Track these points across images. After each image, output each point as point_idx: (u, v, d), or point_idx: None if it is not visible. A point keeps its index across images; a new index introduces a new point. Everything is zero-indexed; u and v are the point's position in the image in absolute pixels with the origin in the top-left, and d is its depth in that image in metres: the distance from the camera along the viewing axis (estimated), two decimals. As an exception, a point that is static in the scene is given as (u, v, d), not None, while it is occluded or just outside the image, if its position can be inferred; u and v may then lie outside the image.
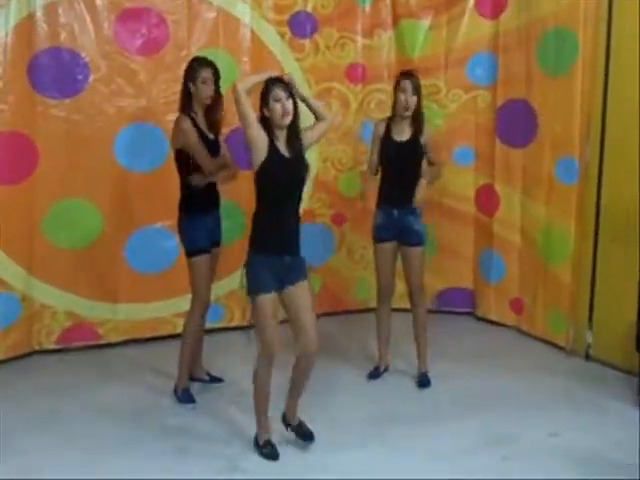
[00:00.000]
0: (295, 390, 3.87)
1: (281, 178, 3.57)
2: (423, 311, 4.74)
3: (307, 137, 3.68)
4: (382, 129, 4.59)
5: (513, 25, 5.54)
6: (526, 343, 5.50)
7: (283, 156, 3.58)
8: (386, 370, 4.85)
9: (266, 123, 3.57)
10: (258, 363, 3.73)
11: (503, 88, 5.66)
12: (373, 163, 4.66)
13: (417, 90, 4.46)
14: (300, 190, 3.67)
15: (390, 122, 4.58)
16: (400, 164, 4.53)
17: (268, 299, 3.59)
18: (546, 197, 5.36)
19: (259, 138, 3.54)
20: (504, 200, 5.72)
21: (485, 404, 4.41)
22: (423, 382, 4.69)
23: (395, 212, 4.54)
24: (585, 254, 5.08)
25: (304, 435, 3.87)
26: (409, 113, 4.46)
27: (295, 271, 3.65)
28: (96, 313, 5.19)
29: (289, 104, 3.54)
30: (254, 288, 3.59)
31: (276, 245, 3.60)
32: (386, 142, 4.55)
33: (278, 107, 3.52)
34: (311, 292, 3.79)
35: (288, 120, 3.55)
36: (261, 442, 3.79)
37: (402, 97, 4.44)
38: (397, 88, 4.49)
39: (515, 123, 5.58)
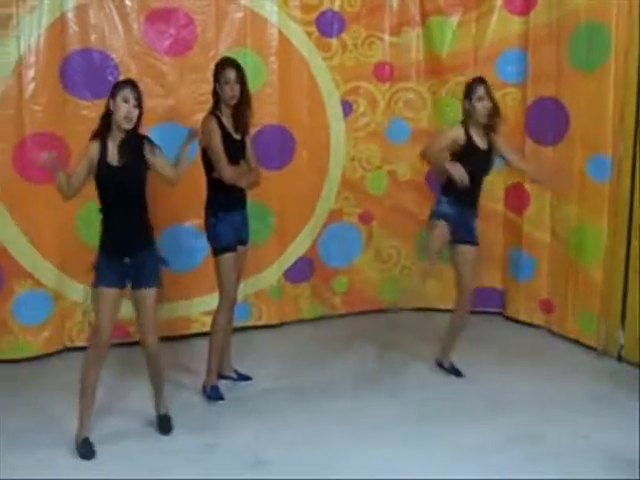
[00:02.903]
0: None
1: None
2: (465, 308, 4.77)
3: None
4: (462, 136, 4.54)
5: (543, 21, 5.48)
6: (556, 344, 5.43)
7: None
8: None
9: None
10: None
11: (533, 85, 5.60)
12: (440, 157, 4.61)
13: (490, 95, 4.52)
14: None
15: (467, 129, 4.55)
16: (481, 171, 4.62)
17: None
18: (577, 195, 5.29)
19: None
20: (534, 199, 5.65)
21: (514, 404, 4.37)
22: (459, 371, 4.81)
23: (466, 212, 4.65)
24: (617, 253, 5.00)
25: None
26: (486, 118, 4.52)
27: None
28: (126, 311, 5.23)
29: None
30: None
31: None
32: (470, 149, 4.54)
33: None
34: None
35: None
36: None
37: (480, 104, 4.49)
38: (471, 96, 4.52)
39: (545, 121, 5.51)
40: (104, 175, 3.71)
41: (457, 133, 4.56)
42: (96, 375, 3.78)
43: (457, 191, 4.56)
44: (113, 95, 3.70)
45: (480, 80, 4.59)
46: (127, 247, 3.76)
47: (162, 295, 3.91)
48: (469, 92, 4.54)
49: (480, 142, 4.56)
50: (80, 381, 3.78)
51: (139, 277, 3.79)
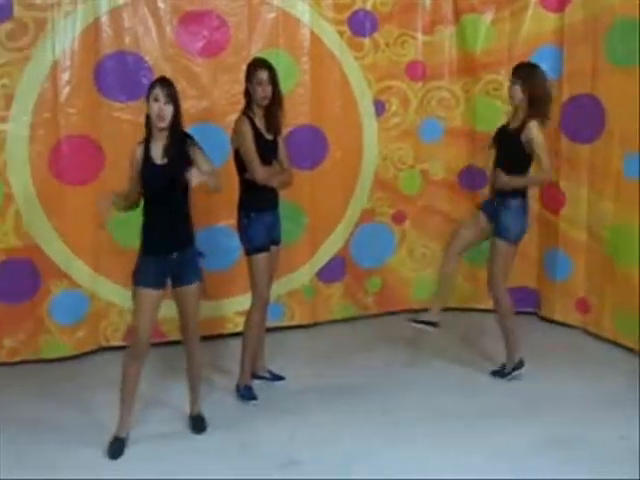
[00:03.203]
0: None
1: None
2: (495, 304, 4.75)
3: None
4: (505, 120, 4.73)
5: (579, 17, 5.40)
6: (593, 344, 5.35)
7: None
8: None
9: None
10: None
11: (569, 82, 5.53)
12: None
13: (520, 78, 4.48)
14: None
15: (512, 114, 4.66)
16: (502, 155, 4.60)
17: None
18: (614, 193, 5.21)
19: None
20: (570, 197, 5.58)
21: (551, 405, 4.32)
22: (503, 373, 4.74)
23: (496, 200, 4.61)
24: (655, 252, 4.92)
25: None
26: (515, 102, 4.52)
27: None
28: (160, 311, 5.28)
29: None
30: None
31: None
32: (500, 131, 4.65)
33: None
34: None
35: None
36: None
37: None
38: None
39: (581, 118, 5.43)
40: (149, 174, 3.73)
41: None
42: (136, 374, 3.81)
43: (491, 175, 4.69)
44: (147, 97, 3.73)
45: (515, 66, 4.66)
46: (173, 244, 3.77)
47: (204, 290, 3.92)
48: None
49: (512, 122, 4.58)
50: (121, 380, 3.82)
51: (181, 274, 3.81)
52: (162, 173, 3.72)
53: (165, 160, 3.72)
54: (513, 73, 4.54)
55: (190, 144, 3.81)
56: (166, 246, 3.77)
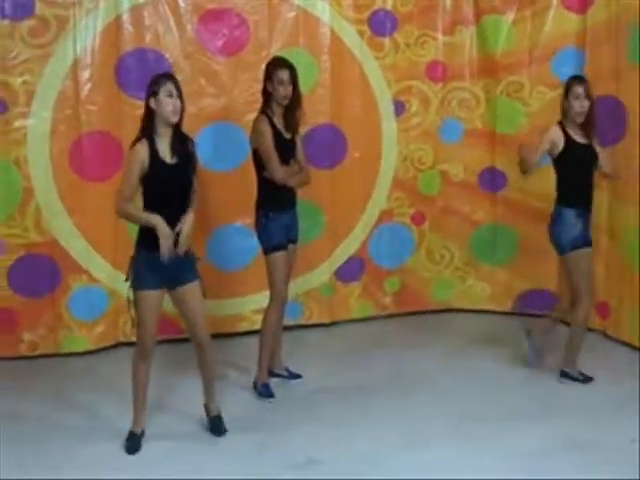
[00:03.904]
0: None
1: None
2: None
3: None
4: (560, 135, 4.51)
5: (602, 18, 5.34)
6: (612, 348, 5.30)
7: None
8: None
9: None
10: None
11: (591, 84, 5.45)
12: (535, 163, 4.56)
13: (589, 95, 4.49)
14: None
15: (564, 127, 4.53)
16: (587, 167, 4.58)
17: None
18: (636, 197, 5.14)
19: None
20: (591, 200, 5.52)
21: (566, 408, 4.29)
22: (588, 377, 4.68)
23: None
24: (677, 256, 4.86)
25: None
26: (582, 119, 4.49)
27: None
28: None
29: None
30: None
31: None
32: (571, 146, 4.51)
33: None
34: None
35: None
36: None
37: (577, 103, 4.47)
38: (568, 94, 4.50)
39: (603, 121, 5.36)
40: (158, 172, 3.63)
41: (557, 133, 4.51)
42: (146, 372, 3.80)
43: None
44: (155, 92, 3.63)
45: (578, 78, 4.60)
46: (174, 244, 3.70)
47: (204, 288, 3.86)
48: (566, 90, 4.53)
49: (579, 138, 4.52)
50: (132, 379, 3.82)
51: (181, 274, 3.74)
52: (174, 173, 3.66)
53: (175, 160, 3.66)
54: (584, 87, 4.49)
55: (193, 148, 3.77)
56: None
